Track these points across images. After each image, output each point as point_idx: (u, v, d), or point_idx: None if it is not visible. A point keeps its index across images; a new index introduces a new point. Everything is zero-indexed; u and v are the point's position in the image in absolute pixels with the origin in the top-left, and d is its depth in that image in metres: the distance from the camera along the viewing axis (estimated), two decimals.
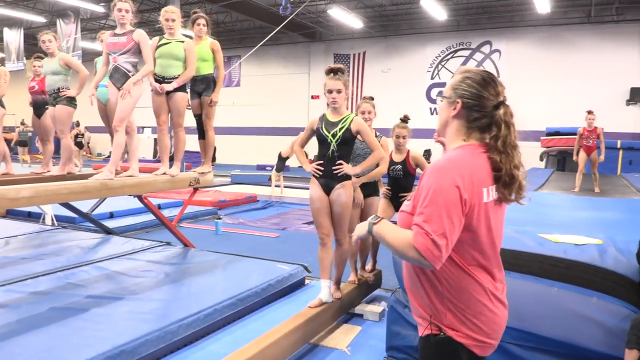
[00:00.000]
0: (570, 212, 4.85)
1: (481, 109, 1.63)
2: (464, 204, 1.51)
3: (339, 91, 3.51)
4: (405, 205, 1.67)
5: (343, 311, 3.94)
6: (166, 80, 4.84)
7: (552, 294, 2.71)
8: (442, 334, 1.60)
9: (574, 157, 8.97)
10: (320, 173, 3.60)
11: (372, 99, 4.36)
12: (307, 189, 11.41)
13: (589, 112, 8.74)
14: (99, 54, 4.89)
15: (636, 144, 13.87)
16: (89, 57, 17.54)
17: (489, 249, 1.62)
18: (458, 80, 1.67)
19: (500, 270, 1.70)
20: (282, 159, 11.71)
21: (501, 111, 1.62)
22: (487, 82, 1.64)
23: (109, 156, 24.94)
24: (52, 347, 3.00)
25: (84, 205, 6.30)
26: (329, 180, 3.61)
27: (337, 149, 3.56)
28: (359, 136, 3.60)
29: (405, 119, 4.49)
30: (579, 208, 5.17)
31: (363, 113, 4.17)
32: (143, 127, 23.15)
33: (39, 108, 5.59)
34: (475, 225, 1.57)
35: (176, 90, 4.87)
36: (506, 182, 1.59)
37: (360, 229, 1.69)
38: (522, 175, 1.62)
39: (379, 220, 1.63)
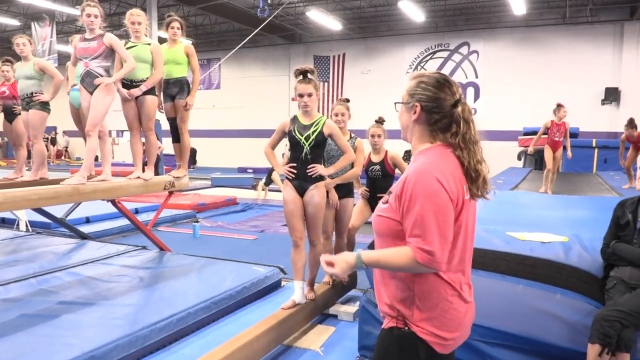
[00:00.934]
0: (542, 210, 4.93)
1: (440, 109, 1.65)
2: (453, 204, 1.57)
3: (309, 95, 3.54)
4: (381, 210, 1.68)
5: (317, 312, 3.95)
6: (134, 84, 4.81)
7: (518, 292, 2.76)
8: (406, 328, 1.63)
9: (530, 150, 8.73)
10: (293, 175, 3.61)
11: (347, 101, 4.37)
12: None
13: (560, 105, 8.24)
14: None
15: (611, 142, 14.11)
16: (65, 60, 17.24)
17: (465, 247, 1.66)
18: (413, 85, 1.69)
19: (469, 269, 1.74)
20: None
21: (459, 109, 1.64)
22: (442, 84, 1.66)
23: None
24: (18, 355, 2.96)
25: (59, 210, 6.23)
26: (302, 182, 3.63)
27: (310, 152, 3.58)
28: (330, 138, 3.63)
29: (380, 120, 4.52)
30: (551, 207, 5.26)
31: (337, 115, 4.19)
32: (123, 131, 22.93)
33: (10, 113, 5.49)
34: (460, 224, 1.62)
35: (145, 93, 4.84)
36: (472, 177, 1.64)
37: (344, 264, 1.66)
38: (485, 169, 1.66)
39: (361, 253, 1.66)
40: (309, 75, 3.53)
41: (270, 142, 3.79)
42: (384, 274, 1.70)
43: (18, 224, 7.14)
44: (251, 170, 18.26)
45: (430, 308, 1.61)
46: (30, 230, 6.98)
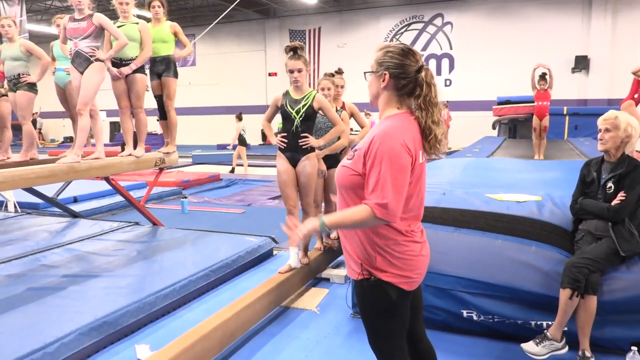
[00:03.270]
0: (517, 174, 5.23)
1: (406, 75, 1.85)
2: (412, 164, 1.79)
3: (299, 70, 3.71)
4: (346, 164, 1.87)
5: (311, 276, 4.21)
6: (124, 62, 4.91)
7: (497, 246, 3.04)
8: (372, 277, 1.86)
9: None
10: (285, 144, 3.81)
11: (333, 75, 4.53)
12: (270, 166, 11.53)
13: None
14: (46, 36, 4.93)
15: (581, 109, 14.57)
16: (35, 39, 16.85)
17: (415, 201, 1.88)
18: (381, 55, 1.89)
19: (420, 217, 1.97)
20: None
21: (422, 74, 1.85)
22: (406, 52, 1.87)
23: (62, 142, 24.06)
24: (33, 323, 3.13)
25: (47, 191, 6.31)
26: (294, 153, 3.84)
27: (301, 125, 3.78)
28: (320, 111, 3.83)
29: (339, 71, 4.68)
30: (525, 170, 5.57)
31: (323, 89, 4.33)
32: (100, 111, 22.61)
33: None
34: (415, 184, 1.84)
35: (135, 72, 4.94)
36: (426, 135, 1.85)
37: (311, 225, 1.83)
38: (439, 130, 1.85)
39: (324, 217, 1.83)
40: (299, 52, 3.70)
41: (266, 116, 4.02)
42: (347, 233, 1.92)
43: (6, 205, 7.19)
44: (231, 147, 18.30)
45: (389, 253, 1.84)
46: (20, 211, 7.05)
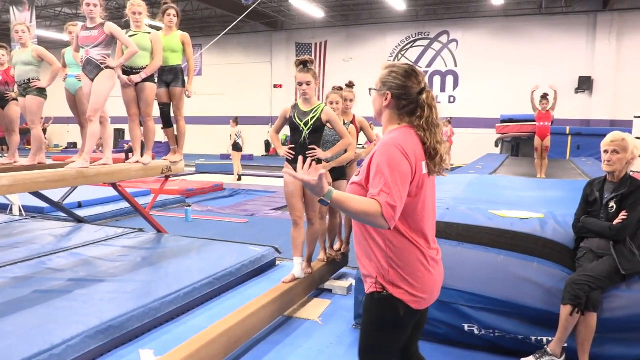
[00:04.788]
0: (520, 192, 5.29)
1: (408, 96, 1.92)
2: (412, 173, 1.83)
3: (308, 83, 3.79)
4: (356, 178, 1.94)
5: (314, 286, 4.24)
6: (134, 71, 4.99)
7: (499, 261, 3.09)
8: (384, 292, 1.88)
9: None
10: (292, 156, 3.87)
11: (341, 89, 4.59)
12: (273, 177, 11.60)
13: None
14: (54, 42, 5.02)
15: (584, 129, 14.65)
16: (44, 45, 16.99)
17: (426, 215, 1.92)
18: (385, 75, 1.96)
19: (434, 235, 2.00)
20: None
21: (424, 96, 1.92)
22: (410, 74, 1.93)
23: (66, 148, 24.07)
24: (42, 324, 3.17)
25: (52, 196, 6.36)
26: None
27: (309, 137, 3.84)
28: (328, 124, 3.90)
29: (350, 84, 4.75)
30: (528, 189, 5.63)
31: (332, 103, 4.40)
32: None
33: (2, 99, 5.54)
34: (416, 192, 1.87)
35: (145, 80, 5.02)
36: (431, 155, 1.91)
37: (317, 186, 1.75)
38: (443, 149, 1.93)
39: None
40: (308, 65, 3.78)
41: (275, 127, 4.08)
42: (363, 239, 1.93)
43: (11, 209, 7.24)
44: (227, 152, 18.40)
45: (402, 267, 1.86)
46: (25, 215, 7.11)
